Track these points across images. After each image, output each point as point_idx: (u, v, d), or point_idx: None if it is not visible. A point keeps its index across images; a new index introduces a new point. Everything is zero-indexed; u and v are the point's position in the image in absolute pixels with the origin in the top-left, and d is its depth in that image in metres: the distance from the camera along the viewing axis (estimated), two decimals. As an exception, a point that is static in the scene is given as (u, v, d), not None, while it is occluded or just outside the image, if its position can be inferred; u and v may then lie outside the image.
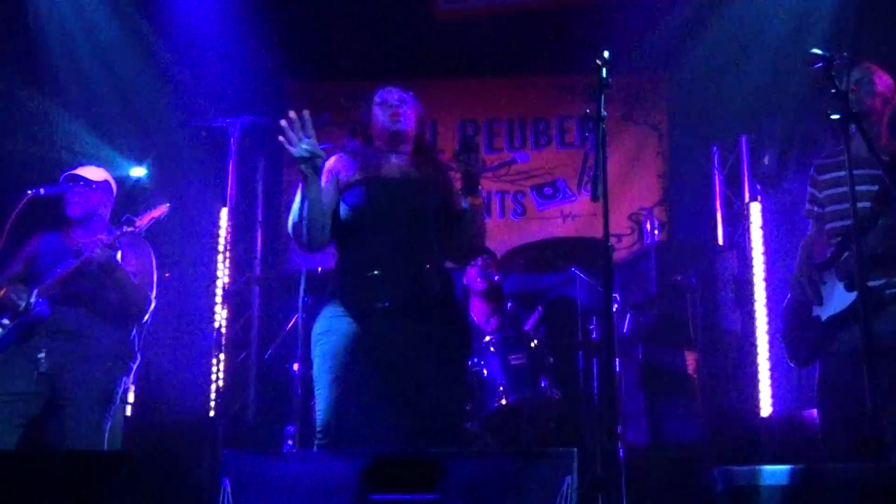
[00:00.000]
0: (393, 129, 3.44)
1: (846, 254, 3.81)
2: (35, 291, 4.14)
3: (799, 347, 4.05)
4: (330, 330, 3.27)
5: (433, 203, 3.37)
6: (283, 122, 3.21)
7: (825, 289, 3.93)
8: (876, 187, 3.77)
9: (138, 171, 5.56)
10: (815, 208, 4.11)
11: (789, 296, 4.14)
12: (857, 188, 3.69)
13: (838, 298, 3.84)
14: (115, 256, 4.15)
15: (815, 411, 4.09)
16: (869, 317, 3.22)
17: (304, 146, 3.20)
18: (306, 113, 3.24)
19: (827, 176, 4.05)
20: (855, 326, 3.74)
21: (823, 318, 3.92)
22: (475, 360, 4.98)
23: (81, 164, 4.56)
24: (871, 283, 3.70)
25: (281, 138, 3.22)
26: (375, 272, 3.26)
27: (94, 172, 4.45)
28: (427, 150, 3.59)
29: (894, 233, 3.71)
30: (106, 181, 4.48)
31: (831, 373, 3.88)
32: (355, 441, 3.14)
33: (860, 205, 3.69)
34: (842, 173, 3.95)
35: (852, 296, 3.75)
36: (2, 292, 4.18)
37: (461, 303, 3.35)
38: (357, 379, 3.21)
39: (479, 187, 3.34)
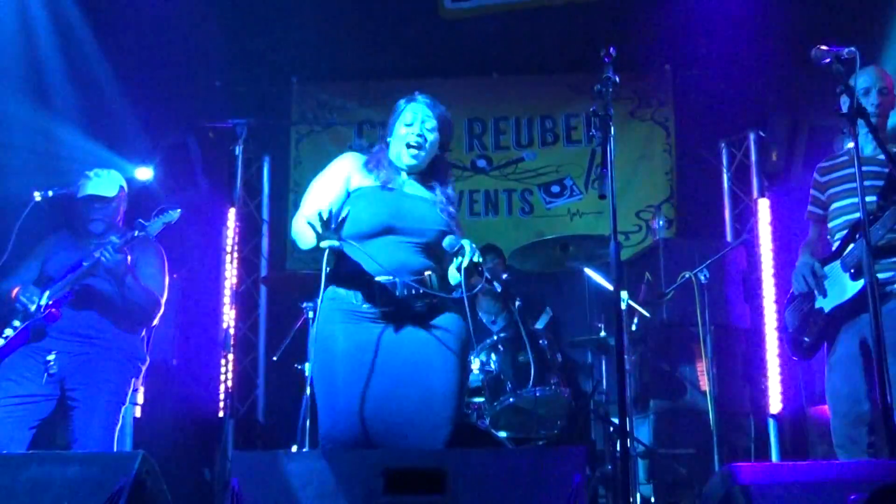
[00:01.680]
0: (404, 162, 3.46)
1: (852, 246, 3.82)
2: (47, 293, 4.16)
3: (801, 340, 4.06)
4: (330, 335, 3.29)
5: (436, 221, 3.39)
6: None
7: (828, 281, 3.94)
8: (881, 182, 3.80)
9: (145, 173, 5.57)
10: (818, 210, 4.13)
11: (791, 289, 4.15)
12: (863, 183, 3.70)
13: (843, 289, 3.85)
14: (124, 261, 4.16)
15: (823, 408, 4.08)
16: (878, 307, 3.22)
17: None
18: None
19: (830, 176, 4.07)
20: (861, 316, 3.76)
21: (827, 309, 3.93)
22: (485, 357, 4.99)
23: (89, 168, 4.56)
24: (878, 275, 3.71)
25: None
26: (377, 278, 3.28)
27: (108, 185, 4.44)
28: (442, 167, 3.57)
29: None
30: (120, 188, 4.50)
31: (840, 367, 3.88)
32: (360, 446, 3.16)
33: (866, 199, 3.70)
34: (846, 171, 3.97)
35: (858, 285, 3.76)
36: (14, 291, 4.20)
37: (462, 307, 3.35)
38: (359, 384, 3.22)
39: (482, 275, 3.32)
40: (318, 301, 3.38)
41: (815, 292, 3.99)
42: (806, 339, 4.04)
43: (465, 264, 3.21)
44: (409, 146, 3.43)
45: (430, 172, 3.53)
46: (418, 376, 3.25)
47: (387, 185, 3.41)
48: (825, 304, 3.95)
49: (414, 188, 3.49)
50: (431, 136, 3.45)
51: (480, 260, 3.27)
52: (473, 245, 3.27)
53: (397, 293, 3.27)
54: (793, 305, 4.15)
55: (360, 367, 3.24)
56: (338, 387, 3.23)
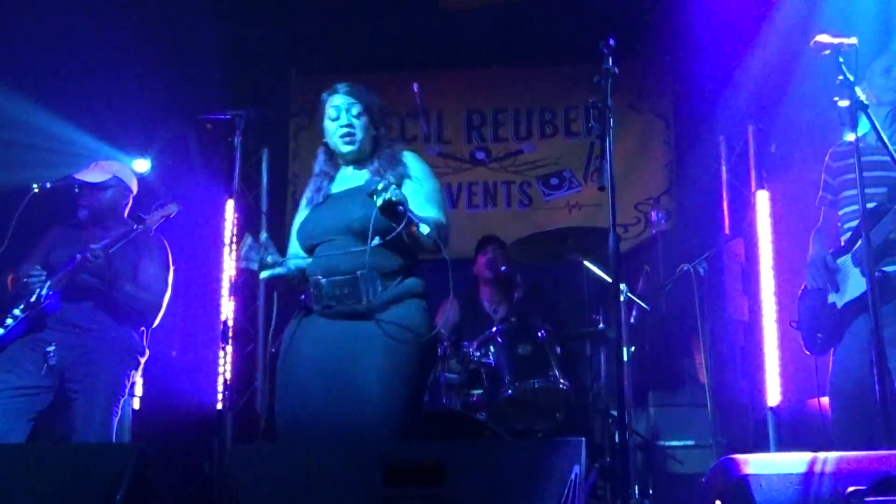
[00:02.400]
0: (344, 152, 3.50)
1: (862, 240, 3.79)
2: (47, 284, 4.16)
3: (815, 336, 4.02)
4: (291, 334, 3.45)
5: (355, 207, 3.33)
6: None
7: (840, 276, 3.91)
8: (890, 173, 3.74)
9: (142, 165, 5.56)
10: (829, 195, 4.09)
11: (804, 284, 4.11)
12: (872, 173, 3.68)
13: (855, 284, 3.81)
14: (106, 266, 4.15)
15: (822, 400, 4.07)
16: (878, 304, 3.21)
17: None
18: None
19: (841, 162, 4.02)
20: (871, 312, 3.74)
21: (839, 305, 3.90)
22: (483, 349, 4.98)
23: (87, 162, 4.56)
24: (886, 269, 3.70)
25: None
26: (319, 279, 3.34)
27: (96, 173, 4.45)
28: (387, 150, 3.54)
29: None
30: (114, 177, 4.49)
31: (846, 360, 3.86)
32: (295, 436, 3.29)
33: (874, 190, 3.69)
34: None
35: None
36: (13, 283, 4.20)
37: (412, 302, 3.35)
38: (300, 380, 3.33)
39: (404, 217, 3.15)
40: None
41: (829, 287, 3.97)
42: (820, 334, 3.98)
43: (378, 203, 3.11)
44: (341, 137, 3.47)
45: (373, 155, 3.52)
46: (348, 374, 3.26)
47: (312, 201, 3.51)
48: (838, 299, 3.91)
49: (349, 181, 3.51)
50: (359, 121, 3.48)
51: (399, 199, 3.12)
52: (393, 185, 3.17)
53: (329, 293, 3.33)
54: (806, 299, 4.10)
55: (301, 363, 3.36)
56: (285, 382, 3.39)
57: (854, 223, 3.86)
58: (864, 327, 3.76)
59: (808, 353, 4.11)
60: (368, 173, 3.46)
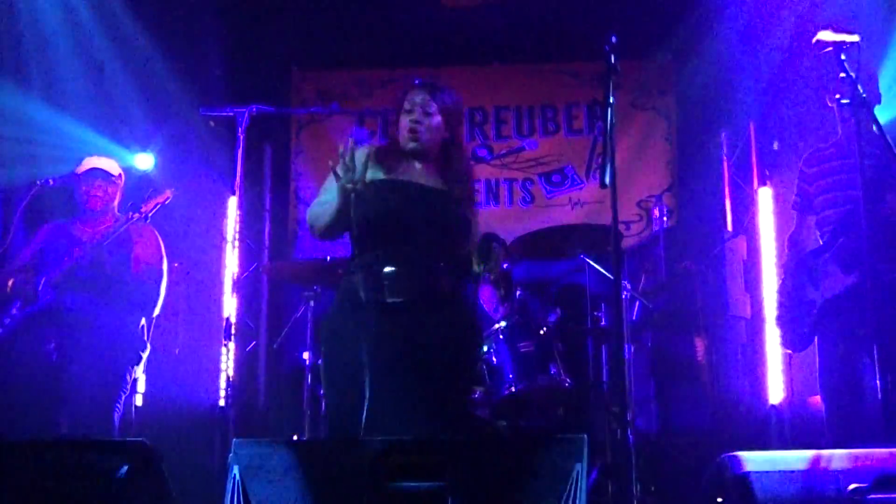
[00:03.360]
0: (408, 147, 3.47)
1: (842, 239, 3.82)
2: (43, 281, 4.16)
3: (794, 332, 4.07)
4: (341, 327, 3.32)
5: (448, 211, 3.41)
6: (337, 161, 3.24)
7: (819, 275, 3.94)
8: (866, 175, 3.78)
9: (145, 162, 5.57)
10: (805, 201, 4.14)
11: (782, 281, 4.16)
12: (849, 175, 3.74)
13: (833, 283, 3.85)
14: (105, 260, 4.15)
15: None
16: (876, 299, 3.22)
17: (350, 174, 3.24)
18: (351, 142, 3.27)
19: (817, 168, 4.07)
20: (851, 310, 3.77)
21: (818, 302, 3.93)
22: (485, 347, 4.99)
23: (90, 155, 4.57)
24: None
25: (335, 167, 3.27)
26: (389, 269, 3.29)
27: (111, 164, 4.47)
28: (455, 154, 3.57)
29: (889, 219, 3.71)
30: (121, 174, 4.52)
31: (828, 359, 3.90)
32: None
33: (854, 193, 3.72)
34: (833, 163, 3.98)
35: (849, 279, 3.76)
36: (10, 281, 4.20)
37: (471, 300, 3.38)
38: (362, 377, 3.25)
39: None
40: (327, 286, 3.44)
41: (807, 286, 4.00)
42: (798, 331, 4.06)
43: (488, 267, 3.29)
44: (408, 132, 3.44)
45: (444, 159, 3.53)
46: (421, 370, 3.26)
47: (396, 177, 3.43)
48: (817, 297, 3.96)
49: (425, 178, 3.48)
50: (430, 120, 3.45)
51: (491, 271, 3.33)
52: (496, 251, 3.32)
53: (404, 286, 3.29)
54: (784, 297, 4.17)
55: (362, 359, 3.26)
56: (344, 380, 3.27)
57: (832, 227, 3.93)
58: (844, 324, 3.81)
59: (786, 349, 4.18)
60: (439, 179, 3.48)
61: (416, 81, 3.53)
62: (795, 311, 4.07)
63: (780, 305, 4.20)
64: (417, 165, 3.49)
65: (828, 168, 4.02)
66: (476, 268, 3.30)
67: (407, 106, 3.47)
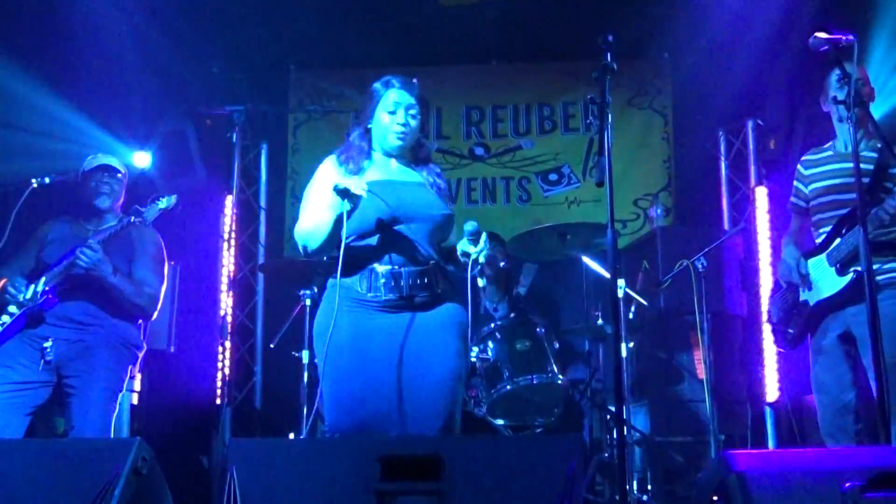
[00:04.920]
0: (390, 146, 3.48)
1: (838, 241, 3.83)
2: (42, 280, 4.15)
3: (786, 332, 4.10)
4: (336, 325, 3.29)
5: (433, 205, 3.43)
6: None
7: (814, 275, 3.95)
8: (866, 179, 3.78)
9: (143, 159, 5.56)
10: (801, 203, 4.14)
11: (775, 281, 4.17)
12: (844, 180, 3.77)
13: (828, 283, 3.87)
14: (103, 259, 4.14)
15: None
16: (874, 299, 3.22)
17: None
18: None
19: (813, 171, 4.07)
20: (845, 309, 3.78)
21: (812, 302, 3.95)
22: (482, 345, 4.99)
23: (87, 153, 4.56)
24: (860, 269, 3.72)
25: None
26: (381, 267, 3.31)
27: (117, 161, 4.47)
28: (425, 153, 3.61)
29: (884, 220, 3.72)
30: (125, 172, 4.52)
31: (821, 358, 3.91)
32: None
33: (848, 197, 3.74)
34: (830, 167, 3.99)
35: (843, 280, 3.78)
36: (1, 283, 4.19)
37: (463, 296, 3.38)
38: (364, 374, 3.27)
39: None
40: (323, 285, 3.44)
41: (800, 286, 4.01)
42: (790, 330, 4.08)
43: (474, 256, 3.26)
44: (395, 133, 3.45)
45: (415, 154, 3.56)
46: (418, 366, 3.28)
47: (379, 177, 3.43)
48: (810, 297, 3.98)
49: (405, 174, 3.51)
50: (414, 122, 3.47)
51: (483, 260, 3.33)
52: (487, 240, 3.30)
53: (402, 284, 3.30)
54: (777, 297, 4.20)
55: (363, 356, 3.28)
56: (343, 377, 3.28)
57: (828, 228, 3.93)
58: (839, 325, 3.82)
59: (778, 348, 4.20)
60: (416, 174, 3.50)
61: (397, 81, 3.49)
62: (789, 310, 4.09)
63: (773, 304, 4.21)
64: (395, 163, 3.52)
65: (824, 169, 4.02)
66: (467, 250, 3.27)
67: (389, 107, 3.46)
